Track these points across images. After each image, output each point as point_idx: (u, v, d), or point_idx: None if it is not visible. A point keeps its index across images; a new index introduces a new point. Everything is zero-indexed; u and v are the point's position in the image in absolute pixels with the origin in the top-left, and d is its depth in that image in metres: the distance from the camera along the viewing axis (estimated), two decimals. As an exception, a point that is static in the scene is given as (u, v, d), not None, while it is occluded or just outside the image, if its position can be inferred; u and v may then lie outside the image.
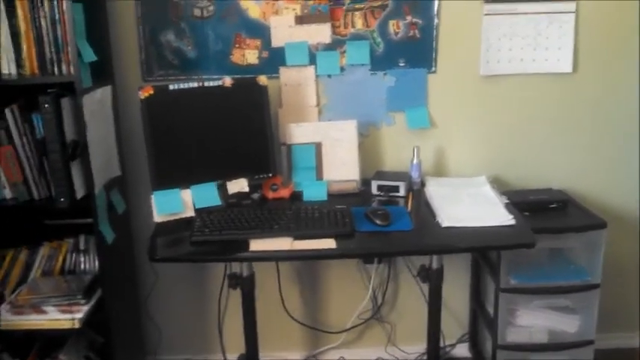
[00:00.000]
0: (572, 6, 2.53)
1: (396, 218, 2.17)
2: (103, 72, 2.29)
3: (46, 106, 2.03)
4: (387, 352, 2.87)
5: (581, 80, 2.60)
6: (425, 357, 2.81)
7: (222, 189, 2.29)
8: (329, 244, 2.02)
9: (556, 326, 2.49)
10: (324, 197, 2.39)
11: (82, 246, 2.38)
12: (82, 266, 2.38)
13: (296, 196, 2.40)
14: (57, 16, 2.04)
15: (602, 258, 2.43)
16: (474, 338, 2.86)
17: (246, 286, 2.36)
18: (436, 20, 2.52)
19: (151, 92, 2.19)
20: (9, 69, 2.09)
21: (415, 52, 2.55)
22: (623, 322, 2.89)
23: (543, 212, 2.49)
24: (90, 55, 2.10)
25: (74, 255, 2.38)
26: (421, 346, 2.81)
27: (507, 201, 2.33)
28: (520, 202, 2.42)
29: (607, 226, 2.41)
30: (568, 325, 2.49)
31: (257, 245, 2.02)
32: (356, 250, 2.10)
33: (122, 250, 2.48)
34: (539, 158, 2.69)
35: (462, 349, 2.89)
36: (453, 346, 2.88)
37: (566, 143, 2.68)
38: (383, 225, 2.12)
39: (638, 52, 2.59)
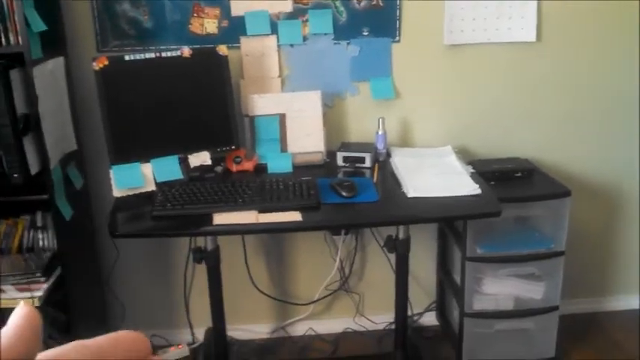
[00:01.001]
0: (535, -26, 2.52)
1: (361, 189, 2.14)
2: (54, 43, 2.20)
3: (-6, 78, 1.94)
4: (355, 323, 2.88)
5: (545, 49, 2.59)
6: (393, 326, 2.83)
7: (184, 162, 2.24)
8: (295, 216, 1.98)
9: (522, 293, 2.51)
10: (289, 169, 2.36)
11: (39, 223, 2.30)
12: (40, 243, 2.31)
13: (260, 169, 2.36)
14: (2, -16, 1.95)
15: (566, 226, 2.45)
16: (441, 307, 2.88)
17: (211, 260, 2.32)
18: (400, -12, 2.48)
19: (106, 63, 2.11)
20: (-51, 39, 1.99)
21: (379, 22, 2.51)
22: (587, 288, 2.94)
23: (509, 181, 2.49)
24: (39, 25, 2.01)
25: (32, 232, 2.31)
26: (389, 316, 2.81)
27: (473, 170, 2.32)
28: (485, 171, 2.42)
29: (571, 195, 2.43)
30: (534, 292, 2.51)
31: (221, 219, 1.97)
32: (322, 223, 2.09)
33: (81, 226, 2.42)
34: (504, 128, 2.68)
35: (430, 318, 2.92)
36: (420, 314, 2.90)
37: (531, 113, 2.67)
38: (349, 196, 2.10)
39: (603, 19, 2.58)
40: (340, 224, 2.29)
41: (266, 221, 1.98)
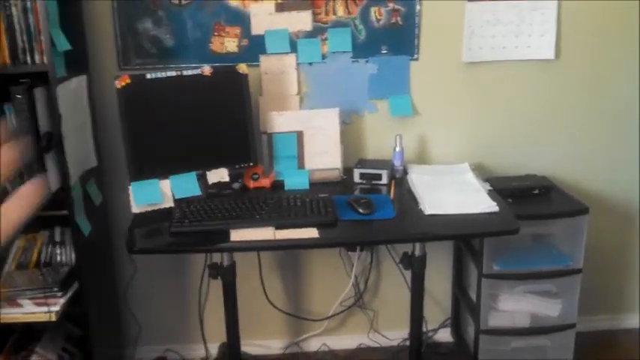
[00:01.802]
0: (554, -8, 2.53)
1: (378, 206, 2.15)
2: (77, 61, 2.24)
3: (19, 96, 1.97)
4: (369, 339, 2.87)
5: (563, 67, 2.60)
6: (407, 342, 2.82)
7: (202, 179, 2.26)
8: (311, 233, 1.99)
9: (538, 311, 2.50)
10: (306, 186, 2.37)
11: (57, 238, 2.33)
12: (58, 258, 2.33)
13: (277, 186, 2.37)
14: (29, 4, 1.97)
15: (584, 243, 2.44)
16: (456, 323, 2.87)
17: (227, 276, 2.32)
18: (418, 7, 2.49)
19: (128, 81, 2.14)
20: (-23, 59, 2.03)
21: (397, 39, 2.52)
22: (604, 305, 2.92)
23: (526, 198, 2.49)
24: (64, 44, 2.04)
25: (50, 247, 2.33)
26: (404, 332, 2.82)
27: (490, 188, 2.32)
28: (503, 188, 2.41)
29: (589, 212, 2.42)
30: (550, 309, 2.50)
31: (238, 235, 1.99)
32: (339, 239, 2.09)
33: (99, 242, 2.44)
34: (521, 145, 2.68)
35: (445, 334, 2.91)
36: (435, 331, 2.89)
37: (549, 130, 2.67)
38: (366, 213, 2.11)
39: (622, 39, 2.59)
40: (357, 241, 2.29)
41: (283, 238, 1.99)
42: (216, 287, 2.62)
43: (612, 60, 2.61)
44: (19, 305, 2.13)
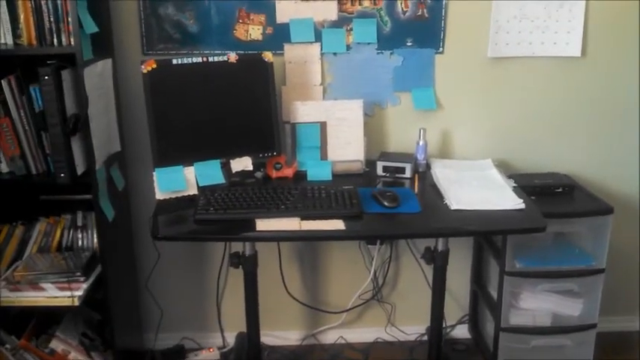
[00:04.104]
0: (582, -12, 2.50)
1: (404, 200, 2.13)
2: (103, 44, 2.21)
3: (46, 77, 1.94)
4: (386, 333, 2.86)
5: (589, 65, 2.57)
6: (424, 337, 2.81)
7: (226, 167, 2.24)
8: (337, 225, 1.98)
9: (559, 310, 2.48)
10: (329, 177, 2.35)
11: (79, 222, 2.32)
12: (80, 243, 2.32)
13: (300, 176, 2.36)
14: (57, -14, 1.96)
15: (607, 243, 2.42)
16: (473, 320, 2.85)
17: (249, 266, 2.31)
18: (445, 0, 2.47)
19: (154, 66, 2.12)
20: (5, 39, 2.01)
21: (423, 32, 2.49)
22: (625, 306, 2.90)
23: (549, 196, 2.46)
24: (91, 26, 2.02)
25: (71, 231, 2.32)
26: (421, 327, 2.81)
27: (515, 185, 2.30)
28: (526, 185, 2.39)
29: (613, 212, 2.40)
30: (571, 308, 2.48)
31: (264, 225, 1.97)
32: (365, 232, 2.07)
33: (121, 227, 2.42)
34: (545, 142, 2.66)
35: (462, 330, 2.89)
36: (452, 327, 2.87)
37: (573, 128, 2.65)
38: (391, 207, 2.09)
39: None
40: (384, 234, 2.27)
41: (309, 229, 1.97)
42: (234, 277, 2.61)
43: (636, 59, 2.58)
44: (42, 289, 2.12)
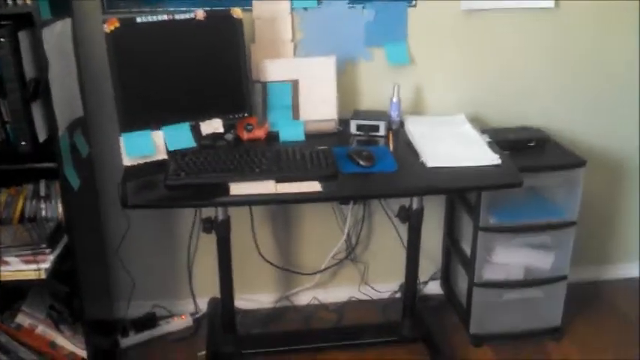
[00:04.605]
0: (555, -62, 2.45)
1: (379, 159, 2.09)
2: (60, 3, 2.07)
3: (2, 40, 1.81)
4: (360, 291, 2.87)
5: (563, 17, 2.54)
6: (397, 295, 2.83)
7: (196, 130, 2.16)
8: (314, 186, 1.93)
9: (532, 263, 2.51)
10: (302, 137, 2.28)
11: (42, 192, 2.21)
12: (44, 213, 2.21)
13: (272, 137, 2.28)
14: (8, -62, 1.81)
15: (579, 196, 2.44)
16: (445, 276, 2.88)
17: (222, 231, 2.26)
18: (417, -50, 2.40)
19: (117, 25, 2.00)
20: (-48, -1, 1.86)
21: (395, -16, 2.43)
22: (594, 257, 2.97)
23: (522, 151, 2.45)
24: (48, -17, 1.89)
25: (34, 202, 2.21)
26: (394, 284, 2.83)
27: (489, 140, 2.28)
28: (499, 140, 2.36)
29: (586, 165, 2.41)
30: (543, 261, 2.51)
31: (238, 189, 1.91)
32: (342, 193, 2.03)
33: (87, 196, 2.33)
34: (518, 96, 2.64)
35: (434, 287, 2.91)
36: (425, 283, 2.89)
37: (546, 81, 2.64)
38: (367, 166, 2.05)
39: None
40: (362, 194, 2.23)
41: (285, 191, 1.92)
42: (205, 241, 2.55)
43: (613, 11, 2.56)
44: (6, 263, 2.02)
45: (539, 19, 2.53)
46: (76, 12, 2.25)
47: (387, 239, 2.75)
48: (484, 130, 2.44)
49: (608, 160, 2.79)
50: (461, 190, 2.46)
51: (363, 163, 2.06)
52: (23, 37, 1.87)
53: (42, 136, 1.97)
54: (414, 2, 2.45)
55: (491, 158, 2.10)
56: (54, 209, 2.21)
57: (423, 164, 2.08)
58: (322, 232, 2.73)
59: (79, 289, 2.19)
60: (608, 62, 2.64)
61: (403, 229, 2.57)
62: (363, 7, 2.43)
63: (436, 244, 2.85)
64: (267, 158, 2.03)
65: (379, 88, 2.51)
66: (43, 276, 2.02)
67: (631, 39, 2.62)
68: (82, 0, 2.28)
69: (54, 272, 2.08)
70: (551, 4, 2.51)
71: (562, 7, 2.52)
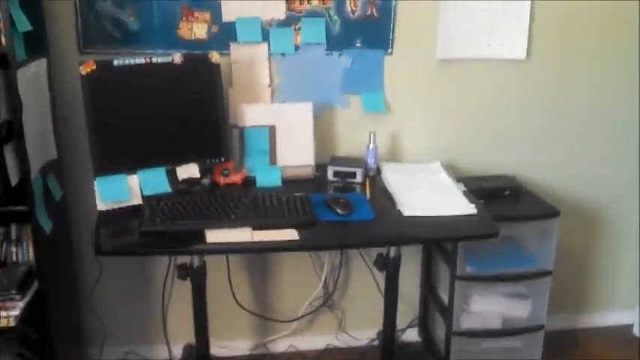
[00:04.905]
0: (528, -8, 2.51)
1: (356, 207, 2.08)
2: (36, 43, 2.06)
3: (-25, 81, 1.80)
4: (337, 339, 2.82)
5: (534, 67, 2.59)
6: (375, 342, 2.79)
7: (171, 174, 2.13)
8: (291, 234, 1.91)
9: (509, 312, 2.50)
10: (278, 183, 2.27)
11: (13, 235, 2.15)
12: (14, 257, 2.15)
13: (249, 182, 2.27)
14: (-14, -20, 1.80)
15: (554, 245, 2.45)
16: (423, 323, 2.85)
17: (197, 277, 2.21)
18: (394, 0, 2.43)
19: (94, 67, 1.99)
20: None
21: (372, 33, 2.45)
22: (571, 305, 2.97)
23: (497, 199, 2.47)
24: (25, 24, 1.88)
25: (5, 245, 2.16)
26: (371, 332, 2.79)
27: (465, 188, 2.29)
28: (474, 188, 2.38)
29: (560, 215, 2.43)
30: (520, 310, 2.50)
31: (214, 236, 1.88)
32: (319, 242, 2.00)
33: (60, 240, 2.28)
34: (492, 143, 2.67)
35: (412, 334, 2.88)
36: (402, 330, 2.85)
37: (519, 129, 2.67)
38: (344, 214, 2.03)
39: (594, 38, 2.60)
40: (339, 244, 2.20)
41: (262, 239, 1.89)
42: (180, 287, 2.50)
43: (581, 61, 2.63)
44: (-27, 310, 1.96)
45: (512, 70, 2.58)
46: (52, 52, 2.24)
47: (365, 286, 2.72)
48: (459, 178, 2.45)
49: (581, 209, 2.82)
50: (437, 240, 2.46)
51: (340, 212, 2.04)
52: (-3, 78, 1.85)
53: (14, 180, 1.93)
54: (390, 50, 2.48)
55: (467, 208, 2.11)
56: (25, 253, 2.15)
57: (399, 213, 2.08)
58: (299, 279, 2.69)
59: (50, 335, 2.12)
60: (576, 111, 2.69)
61: (380, 275, 2.54)
62: (340, 54, 2.46)
63: (414, 291, 2.83)
64: (243, 204, 2.01)
65: (356, 133, 2.52)
66: (12, 323, 1.96)
67: (599, 88, 2.68)
68: (58, 40, 2.26)
69: (23, 317, 2.02)
70: (523, 56, 2.56)
71: (533, 58, 2.57)
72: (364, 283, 2.72)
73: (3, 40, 1.81)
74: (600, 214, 2.86)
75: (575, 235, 2.83)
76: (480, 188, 2.44)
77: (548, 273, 2.47)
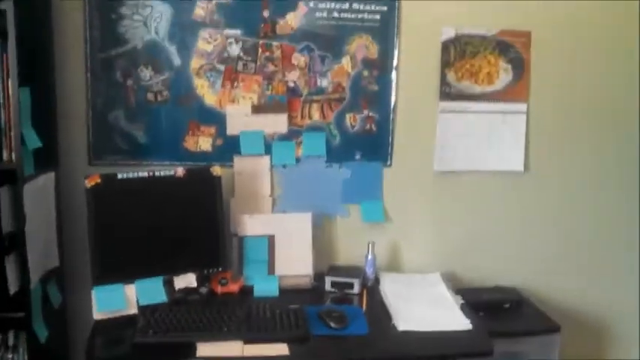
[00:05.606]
0: (523, 107, 2.60)
1: (351, 320, 2.09)
2: (46, 157, 2.16)
3: (-18, 197, 1.88)
4: None
5: (532, 180, 2.65)
6: None
7: (169, 283, 2.17)
8: (282, 349, 1.91)
9: None
10: (276, 293, 2.30)
11: (10, 342, 2.18)
12: (11, 364, 2.18)
13: (246, 291, 2.30)
14: (1, 100, 1.90)
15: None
16: None
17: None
18: (392, 115, 2.53)
19: (98, 181, 2.08)
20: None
21: (371, 146, 2.54)
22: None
23: (497, 312, 2.45)
24: (34, 142, 1.98)
25: (2, 352, 2.18)
26: None
27: (462, 301, 2.29)
28: (474, 301, 2.37)
29: (560, 330, 2.40)
30: None
31: (205, 350, 1.89)
32: (310, 357, 1.99)
33: (55, 348, 2.29)
34: (491, 255, 2.68)
35: None
36: None
37: (518, 241, 2.69)
38: (338, 328, 2.04)
39: (588, 150, 2.67)
40: (330, 360, 2.20)
41: (251, 355, 1.90)
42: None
43: (580, 174, 2.68)
44: None
45: (510, 182, 2.64)
46: (63, 163, 2.34)
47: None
48: (459, 289, 2.45)
49: (583, 324, 2.78)
50: (430, 358, 2.42)
51: (334, 325, 2.05)
52: (4, 192, 1.93)
53: (13, 288, 1.97)
54: (389, 163, 2.56)
55: (463, 323, 2.10)
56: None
57: (394, 327, 2.08)
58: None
59: None
60: (578, 224, 2.71)
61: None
62: (340, 167, 2.53)
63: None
64: (237, 316, 2.03)
65: (355, 243, 2.55)
66: None
67: (599, 200, 2.71)
68: (69, 152, 2.36)
69: None
70: (521, 169, 2.62)
71: (531, 171, 2.63)
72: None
73: (13, 156, 1.90)
74: (603, 325, 2.81)
75: (578, 347, 2.77)
76: (479, 301, 2.43)
77: (549, 390, 2.41)
